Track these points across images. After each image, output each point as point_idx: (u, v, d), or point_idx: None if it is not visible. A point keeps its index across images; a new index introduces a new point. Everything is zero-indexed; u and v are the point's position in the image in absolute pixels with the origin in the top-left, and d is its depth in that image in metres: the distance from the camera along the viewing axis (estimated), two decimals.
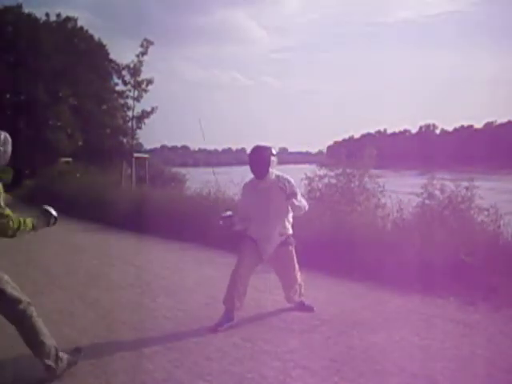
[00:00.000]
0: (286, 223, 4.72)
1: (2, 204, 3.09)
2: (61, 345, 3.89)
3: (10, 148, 3.29)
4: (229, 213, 4.71)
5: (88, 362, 3.73)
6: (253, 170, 4.58)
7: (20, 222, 3.11)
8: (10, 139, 3.39)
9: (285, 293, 4.93)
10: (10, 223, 3.05)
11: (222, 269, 6.96)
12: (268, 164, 4.49)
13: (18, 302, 3.09)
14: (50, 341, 3.31)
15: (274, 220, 4.60)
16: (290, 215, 4.74)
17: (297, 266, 4.85)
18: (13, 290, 3.12)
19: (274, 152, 4.59)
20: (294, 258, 4.83)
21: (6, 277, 3.15)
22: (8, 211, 3.06)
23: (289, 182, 4.60)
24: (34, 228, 3.27)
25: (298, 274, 4.87)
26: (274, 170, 4.59)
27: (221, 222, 4.71)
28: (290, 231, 4.78)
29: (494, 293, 5.13)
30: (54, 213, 3.46)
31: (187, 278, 6.53)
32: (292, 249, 4.79)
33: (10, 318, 3.17)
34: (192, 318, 4.81)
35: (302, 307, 4.95)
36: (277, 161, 4.61)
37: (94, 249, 8.91)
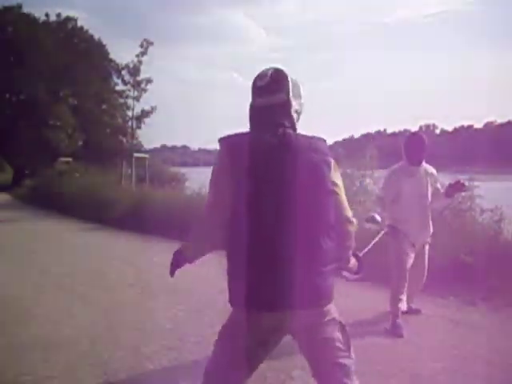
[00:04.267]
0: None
1: None
2: (61, 345, 3.90)
3: None
4: (372, 213, 4.43)
5: (88, 361, 3.73)
6: (411, 155, 4.42)
7: None
8: None
9: (409, 289, 4.61)
10: None
11: (223, 268, 6.97)
12: (426, 151, 4.44)
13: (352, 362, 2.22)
14: None
15: (427, 209, 4.49)
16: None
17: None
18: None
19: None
20: (427, 256, 4.66)
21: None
22: None
23: (435, 173, 4.58)
24: None
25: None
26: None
27: (366, 224, 4.46)
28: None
29: (493, 293, 5.13)
30: None
31: (187, 277, 6.51)
32: (428, 247, 4.66)
33: None
34: (192, 318, 4.81)
35: (412, 309, 4.86)
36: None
37: (93, 249, 8.91)
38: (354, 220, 2.12)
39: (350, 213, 2.09)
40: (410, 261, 4.44)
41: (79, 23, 32.60)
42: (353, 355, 2.17)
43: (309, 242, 1.91)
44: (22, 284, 6.08)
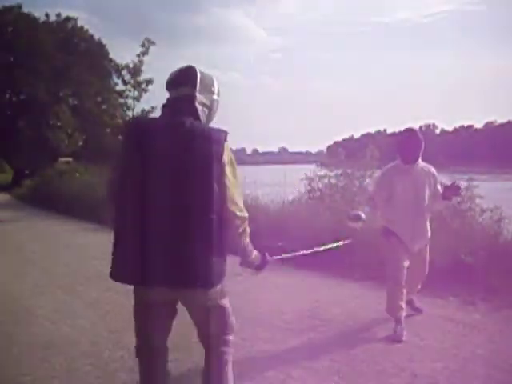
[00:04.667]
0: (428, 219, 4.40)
1: None
2: (61, 345, 3.90)
3: None
4: (356, 212, 4.32)
5: (88, 361, 3.73)
6: (404, 153, 4.22)
7: None
8: None
9: (408, 287, 4.44)
10: None
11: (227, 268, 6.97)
12: (421, 148, 4.20)
13: (230, 329, 2.37)
14: None
15: (423, 211, 4.26)
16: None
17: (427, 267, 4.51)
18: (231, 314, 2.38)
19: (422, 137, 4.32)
20: (428, 257, 4.49)
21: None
22: None
23: (436, 175, 4.34)
24: None
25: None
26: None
27: (349, 223, 4.31)
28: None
29: (493, 293, 5.13)
30: None
31: None
32: (428, 248, 4.47)
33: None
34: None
35: (414, 308, 4.76)
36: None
37: (94, 249, 8.90)
38: (243, 214, 2.19)
39: (237, 207, 2.17)
40: (406, 264, 4.27)
41: (79, 23, 32.68)
42: (228, 337, 2.35)
43: (194, 227, 2.04)
44: (22, 284, 6.09)
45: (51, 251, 8.50)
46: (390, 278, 4.32)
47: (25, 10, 31.09)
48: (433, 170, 4.36)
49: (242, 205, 2.20)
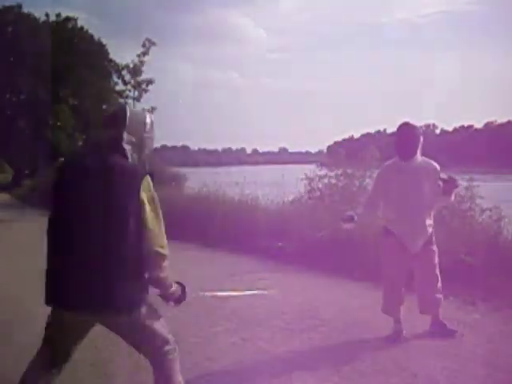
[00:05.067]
0: (431, 214, 4.15)
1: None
2: None
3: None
4: (350, 213, 4.26)
5: (88, 362, 3.73)
6: (399, 149, 4.04)
7: None
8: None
9: (420, 301, 4.23)
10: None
11: (223, 269, 6.98)
12: (418, 143, 3.98)
13: (165, 341, 2.48)
14: None
15: (423, 208, 4.03)
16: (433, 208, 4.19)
17: (438, 271, 4.18)
18: (162, 326, 2.51)
19: (421, 131, 4.14)
20: (437, 259, 4.18)
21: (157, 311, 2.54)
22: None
23: (438, 170, 4.10)
24: None
25: (439, 282, 4.18)
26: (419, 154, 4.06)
27: (343, 224, 4.24)
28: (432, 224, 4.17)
29: (493, 293, 5.13)
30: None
31: (187, 277, 6.51)
32: (435, 248, 4.17)
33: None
34: (192, 317, 4.81)
35: (443, 329, 4.17)
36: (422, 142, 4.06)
37: None
38: (163, 251, 2.30)
39: (157, 244, 2.29)
40: (404, 264, 4.12)
41: (79, 23, 32.64)
42: (164, 349, 2.47)
43: (110, 261, 2.21)
44: (22, 284, 6.08)
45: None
46: (386, 276, 4.23)
47: (25, 10, 31.16)
48: (434, 165, 4.12)
49: (163, 241, 2.31)
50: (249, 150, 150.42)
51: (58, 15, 32.02)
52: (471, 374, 3.49)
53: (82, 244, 2.26)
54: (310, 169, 10.39)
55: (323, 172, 9.96)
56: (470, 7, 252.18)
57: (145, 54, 20.06)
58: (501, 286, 5.12)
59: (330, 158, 11.61)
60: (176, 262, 8.34)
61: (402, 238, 4.05)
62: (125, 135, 2.36)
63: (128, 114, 2.40)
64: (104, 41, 32.61)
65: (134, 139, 2.39)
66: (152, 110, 21.76)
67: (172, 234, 9.16)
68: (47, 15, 31.78)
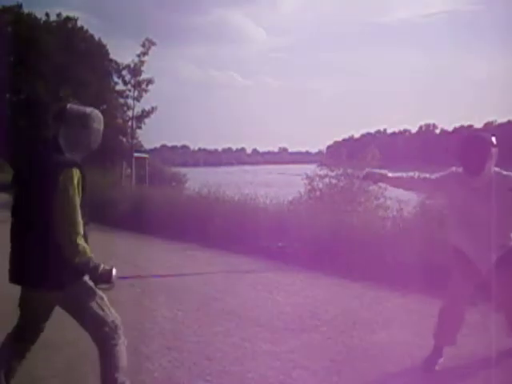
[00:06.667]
0: (509, 231, 3.63)
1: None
2: (61, 345, 3.89)
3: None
4: (371, 169, 3.91)
5: (88, 361, 3.72)
6: (463, 163, 3.54)
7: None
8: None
9: (509, 321, 3.87)
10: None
11: (223, 268, 6.98)
12: (486, 157, 3.44)
13: (102, 323, 2.68)
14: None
15: (492, 229, 3.47)
16: None
17: None
18: (98, 308, 2.70)
19: (494, 142, 3.55)
20: None
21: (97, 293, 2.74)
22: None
23: None
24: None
25: None
26: (493, 167, 3.55)
27: (365, 183, 3.93)
28: None
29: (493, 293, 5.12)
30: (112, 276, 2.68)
31: (187, 277, 6.53)
32: None
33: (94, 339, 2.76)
34: (192, 317, 4.81)
35: None
36: (496, 154, 3.54)
37: (93, 248, 8.88)
38: (73, 238, 2.51)
39: (70, 231, 2.50)
40: (469, 289, 3.76)
41: (79, 23, 32.66)
42: (104, 331, 2.72)
43: (39, 241, 2.53)
44: None
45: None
46: (447, 299, 3.82)
47: (25, 10, 31.16)
48: (510, 175, 3.57)
49: (76, 229, 2.50)
50: (249, 150, 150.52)
51: (58, 15, 32.08)
52: (471, 374, 3.49)
53: (21, 230, 2.62)
54: (310, 168, 10.41)
55: (323, 172, 9.97)
56: (471, 7, 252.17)
57: (145, 53, 20.09)
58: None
59: (331, 157, 11.61)
60: (176, 261, 8.39)
61: (471, 257, 3.62)
62: (62, 131, 2.63)
63: (66, 111, 2.64)
64: (104, 41, 32.64)
65: (71, 134, 2.63)
66: (152, 109, 21.76)
67: (172, 234, 9.21)
68: (47, 15, 31.83)
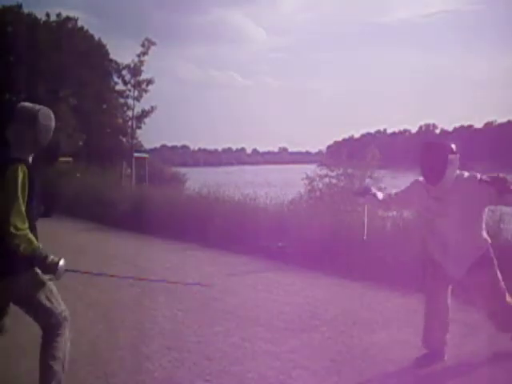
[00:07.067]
0: (481, 233, 3.57)
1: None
2: None
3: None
4: (367, 186, 3.96)
5: (88, 362, 3.73)
6: (422, 172, 3.53)
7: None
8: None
9: (493, 321, 3.75)
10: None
11: (223, 268, 6.98)
12: (444, 164, 3.38)
13: (50, 313, 2.83)
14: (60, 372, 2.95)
15: (462, 234, 3.46)
16: (483, 224, 3.60)
17: (505, 290, 3.63)
18: (46, 299, 2.84)
19: (453, 148, 3.46)
20: (500, 282, 3.60)
21: (46, 285, 2.87)
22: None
23: (479, 181, 3.41)
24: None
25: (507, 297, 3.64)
26: (455, 172, 3.48)
27: (359, 200, 3.93)
28: (489, 241, 3.64)
29: None
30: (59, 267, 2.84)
31: (187, 277, 6.53)
32: (495, 270, 3.62)
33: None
34: (192, 317, 4.81)
35: None
36: (457, 160, 3.48)
37: (93, 248, 8.90)
38: (14, 231, 2.62)
39: (12, 223, 2.62)
40: (446, 293, 3.69)
41: (79, 23, 32.63)
42: (50, 322, 2.87)
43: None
44: None
45: (51, 251, 8.50)
46: (427, 308, 3.76)
47: (25, 10, 31.14)
48: (472, 177, 3.47)
49: (20, 219, 2.64)
50: (249, 150, 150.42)
51: (58, 15, 32.04)
52: (471, 373, 3.49)
53: None
54: (310, 168, 10.41)
55: (323, 172, 9.97)
56: (471, 7, 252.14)
57: (145, 53, 20.11)
58: None
59: (331, 157, 11.61)
60: (176, 261, 8.38)
61: (443, 264, 3.60)
62: (11, 129, 2.74)
63: (16, 109, 2.75)
64: (104, 41, 32.62)
65: (19, 133, 2.74)
66: (152, 109, 21.77)
67: (172, 234, 9.23)
68: (47, 15, 31.80)
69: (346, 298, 5.48)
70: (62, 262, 2.80)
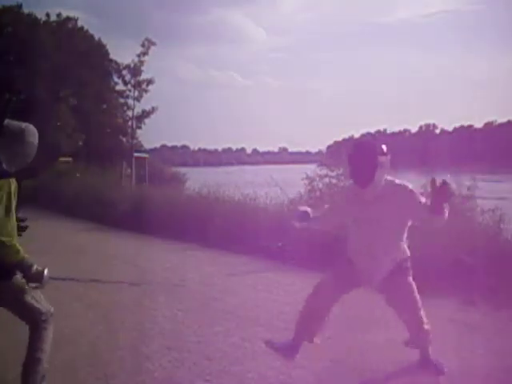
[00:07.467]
0: (401, 244, 3.47)
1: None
2: (61, 345, 3.89)
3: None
4: (304, 209, 3.71)
5: (88, 362, 3.73)
6: (351, 175, 3.40)
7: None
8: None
9: (409, 333, 3.59)
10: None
11: (223, 268, 6.98)
12: (373, 167, 3.22)
13: (38, 312, 3.02)
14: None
15: (384, 242, 3.37)
16: (405, 235, 3.48)
17: (419, 302, 3.47)
18: (33, 299, 3.03)
19: (384, 149, 3.32)
20: (414, 291, 3.46)
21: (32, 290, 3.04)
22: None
23: (410, 191, 3.28)
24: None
25: (422, 313, 3.50)
26: (386, 176, 3.34)
27: (295, 222, 3.71)
28: (407, 253, 3.52)
29: (493, 293, 5.13)
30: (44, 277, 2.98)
31: (187, 277, 6.53)
32: (410, 279, 3.48)
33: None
34: (192, 318, 4.81)
35: (429, 365, 3.54)
36: (388, 162, 3.33)
37: (93, 249, 8.91)
38: (4, 239, 2.73)
39: (3, 232, 2.73)
40: (336, 296, 3.55)
41: (79, 23, 32.62)
42: (37, 320, 3.01)
43: None
44: None
45: (50, 251, 8.49)
46: (312, 294, 3.57)
47: (25, 10, 31.11)
48: (404, 186, 3.32)
49: (10, 234, 2.75)
50: (249, 150, 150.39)
51: (58, 15, 32.02)
52: (471, 373, 3.49)
53: None
54: (310, 169, 10.40)
55: (323, 172, 9.95)
56: (471, 7, 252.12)
57: (145, 54, 20.12)
58: (501, 286, 5.12)
59: (330, 157, 11.59)
60: (176, 261, 8.37)
61: (358, 267, 3.48)
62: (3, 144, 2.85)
63: (4, 127, 2.86)
64: (104, 41, 32.61)
65: (8, 149, 2.85)
66: (152, 110, 21.76)
67: (172, 234, 9.22)
68: (47, 15, 31.79)
69: (345, 297, 5.47)
70: (46, 272, 2.95)
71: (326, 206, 3.92)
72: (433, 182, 3.01)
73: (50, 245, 8.88)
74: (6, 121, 2.91)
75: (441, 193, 2.98)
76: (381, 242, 3.34)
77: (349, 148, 3.41)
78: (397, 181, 3.35)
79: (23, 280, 2.94)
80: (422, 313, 3.46)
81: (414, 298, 3.42)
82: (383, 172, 3.27)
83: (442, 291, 5.33)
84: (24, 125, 2.94)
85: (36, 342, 3.02)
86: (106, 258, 7.99)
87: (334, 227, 4.10)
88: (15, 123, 2.93)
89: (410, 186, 3.31)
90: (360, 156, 3.27)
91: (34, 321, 3.00)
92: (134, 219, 10.62)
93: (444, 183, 2.96)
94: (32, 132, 2.97)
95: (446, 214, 3.13)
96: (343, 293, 3.55)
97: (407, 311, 3.44)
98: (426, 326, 3.48)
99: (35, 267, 2.91)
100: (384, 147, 3.31)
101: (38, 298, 3.04)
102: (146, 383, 3.45)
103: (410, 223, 3.40)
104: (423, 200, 3.23)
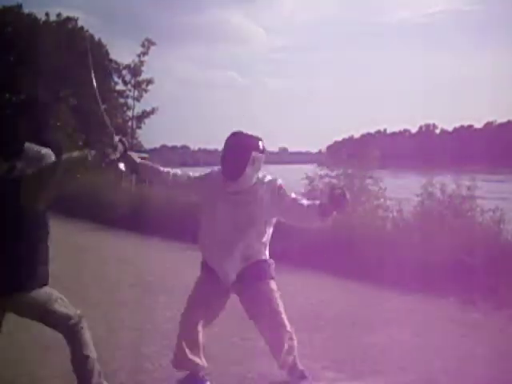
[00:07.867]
0: (258, 244, 3.19)
1: None
2: (61, 345, 3.88)
3: None
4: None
5: None
6: (222, 165, 3.17)
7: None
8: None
9: (273, 355, 3.30)
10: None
11: None
12: (246, 161, 3.03)
13: (68, 317, 2.93)
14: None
15: (238, 237, 3.13)
16: (266, 236, 3.22)
17: (281, 312, 3.26)
18: (61, 306, 2.93)
19: (260, 146, 3.13)
20: (274, 298, 3.23)
21: (55, 294, 2.97)
22: None
23: (279, 187, 3.16)
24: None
25: (286, 323, 3.27)
26: (258, 172, 3.15)
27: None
28: (265, 255, 3.25)
29: (493, 293, 5.13)
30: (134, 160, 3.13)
31: (187, 277, 6.51)
32: (269, 285, 3.24)
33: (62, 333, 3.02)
34: None
35: (296, 371, 3.29)
36: (262, 160, 3.14)
37: (93, 249, 8.90)
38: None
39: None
40: (209, 304, 3.38)
41: (79, 23, 32.67)
42: (68, 324, 2.93)
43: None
44: None
45: (51, 251, 8.50)
46: (181, 319, 3.33)
47: (25, 10, 31.17)
48: (273, 181, 3.18)
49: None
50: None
51: (58, 15, 32.09)
52: (471, 373, 3.49)
53: None
54: (310, 169, 10.40)
55: (324, 172, 9.96)
56: (472, 7, 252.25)
57: (145, 53, 20.12)
58: (501, 286, 5.13)
59: (330, 157, 11.60)
60: (176, 261, 8.36)
61: (216, 268, 3.29)
62: (18, 167, 2.83)
63: (24, 150, 2.85)
64: (104, 41, 32.65)
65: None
66: (153, 110, 21.76)
67: (172, 234, 9.20)
68: (47, 15, 31.84)
69: (345, 298, 5.48)
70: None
71: (190, 173, 3.56)
72: (332, 188, 3.05)
73: (50, 245, 8.89)
74: (27, 144, 2.89)
75: (337, 202, 2.88)
76: (234, 237, 3.12)
77: (226, 139, 3.17)
78: (267, 177, 3.18)
79: (47, 288, 2.90)
80: (286, 323, 3.24)
81: (274, 307, 3.20)
82: (255, 169, 3.09)
83: (442, 291, 5.34)
84: (44, 151, 2.94)
85: (75, 343, 2.97)
86: (106, 257, 7.99)
87: (180, 192, 4.02)
88: (35, 149, 2.92)
89: (279, 182, 3.17)
90: (235, 148, 3.10)
91: (69, 328, 2.92)
92: (134, 219, 10.62)
93: (343, 193, 2.87)
94: (50, 158, 2.95)
95: (331, 220, 3.04)
96: (215, 302, 3.35)
97: (268, 323, 3.24)
98: (290, 342, 3.25)
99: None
100: (261, 144, 3.14)
101: (66, 303, 2.95)
102: (146, 383, 3.45)
103: (274, 221, 3.20)
104: (293, 196, 3.13)
